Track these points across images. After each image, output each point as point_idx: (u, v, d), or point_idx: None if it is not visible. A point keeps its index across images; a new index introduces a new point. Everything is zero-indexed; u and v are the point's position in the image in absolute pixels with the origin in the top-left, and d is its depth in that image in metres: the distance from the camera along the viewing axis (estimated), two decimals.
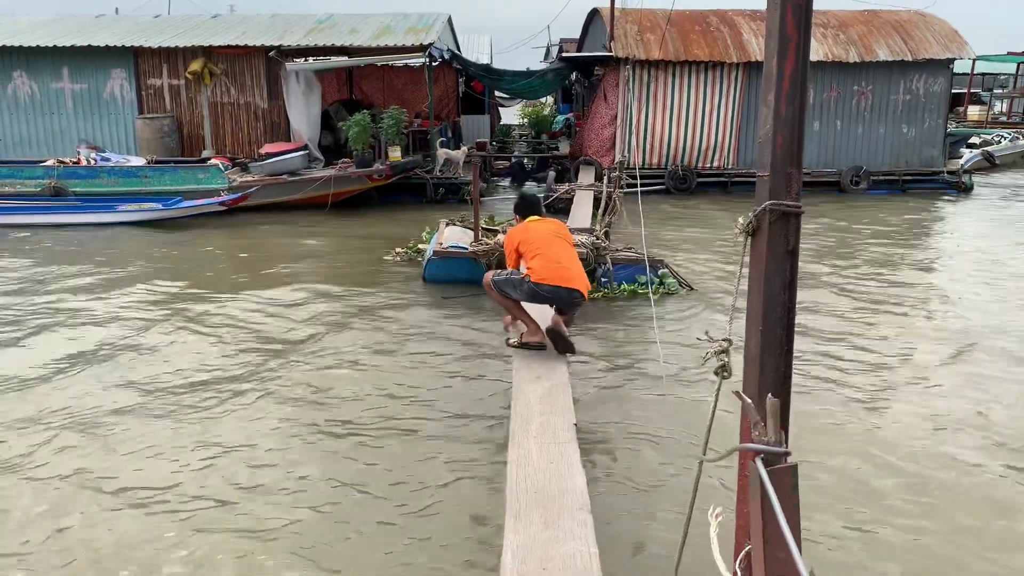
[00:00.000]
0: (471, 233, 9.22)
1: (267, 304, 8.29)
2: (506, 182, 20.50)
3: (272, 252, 11.12)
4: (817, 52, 17.09)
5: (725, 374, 3.20)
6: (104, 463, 4.84)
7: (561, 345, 5.95)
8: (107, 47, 15.83)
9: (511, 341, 6.26)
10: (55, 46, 15.76)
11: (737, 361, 3.12)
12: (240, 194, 13.10)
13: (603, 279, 8.50)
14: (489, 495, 4.56)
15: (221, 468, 4.80)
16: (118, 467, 4.79)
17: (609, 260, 8.49)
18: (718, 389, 3.21)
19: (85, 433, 5.22)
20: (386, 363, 6.60)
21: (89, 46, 15.79)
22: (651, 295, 7.57)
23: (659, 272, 8.54)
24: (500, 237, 9.28)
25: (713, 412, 3.21)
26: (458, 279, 8.79)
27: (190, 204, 12.87)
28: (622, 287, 8.37)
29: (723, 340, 3.26)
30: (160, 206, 12.83)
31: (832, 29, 17.86)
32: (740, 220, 3.15)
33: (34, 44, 15.76)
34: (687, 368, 6.37)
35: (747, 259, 3.20)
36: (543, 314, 6.18)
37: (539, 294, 5.98)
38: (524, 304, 6.18)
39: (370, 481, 4.69)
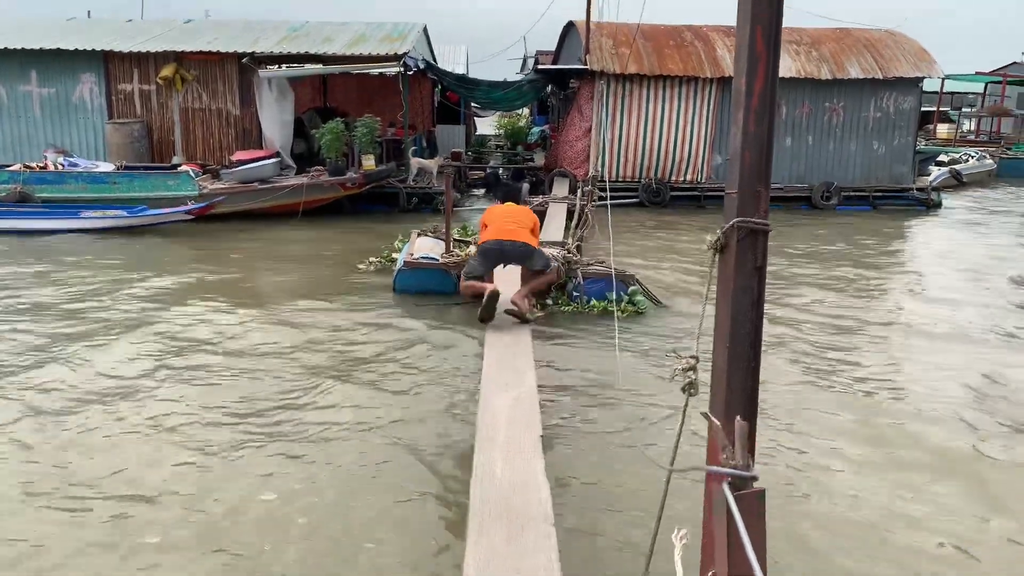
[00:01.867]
0: (443, 243, 9.15)
1: (231, 315, 8.17)
2: (480, 192, 20.48)
3: (241, 261, 10.98)
4: (790, 68, 17.27)
5: (692, 391, 3.18)
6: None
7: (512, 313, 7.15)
8: (76, 51, 15.58)
9: (479, 314, 7.20)
10: (23, 48, 15.50)
11: (705, 379, 3.10)
12: (207, 203, 12.92)
13: (574, 293, 8.47)
14: (451, 509, 4.49)
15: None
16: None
17: (580, 274, 8.46)
18: (685, 406, 3.18)
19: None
20: (352, 372, 6.51)
21: (58, 49, 15.54)
22: (616, 313, 7.53)
23: (629, 289, 8.52)
24: (472, 249, 9.24)
25: (680, 428, 3.18)
26: (428, 290, 8.72)
27: (156, 212, 12.66)
28: (592, 303, 8.34)
29: (690, 357, 3.24)
30: (125, 213, 12.60)
31: (805, 46, 18.06)
32: (708, 237, 3.14)
33: (1, 47, 15.47)
34: (652, 384, 6.34)
35: (715, 275, 3.19)
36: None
37: (488, 251, 7.40)
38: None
39: (324, 496, 4.60)
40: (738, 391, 3.19)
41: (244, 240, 12.50)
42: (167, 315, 8.08)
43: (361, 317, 8.05)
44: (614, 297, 8.08)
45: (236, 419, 5.57)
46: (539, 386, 5.60)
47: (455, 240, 9.70)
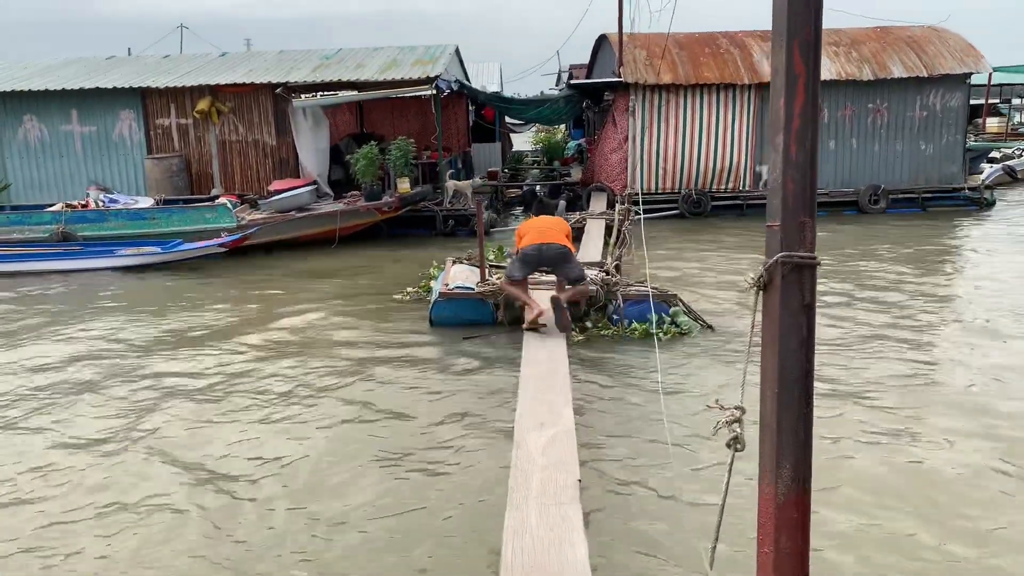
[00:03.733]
0: (479, 271, 8.95)
1: (268, 351, 8.07)
2: (519, 211, 20.30)
3: (278, 294, 10.91)
4: (830, 71, 16.82)
5: (738, 447, 2.92)
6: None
7: (559, 315, 7.46)
8: (115, 88, 15.84)
9: (524, 325, 7.72)
10: (64, 89, 15.79)
11: (753, 434, 2.85)
12: (241, 235, 12.93)
13: (614, 316, 8.20)
14: (485, 563, 4.26)
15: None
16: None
17: (620, 296, 8.20)
18: (731, 464, 2.93)
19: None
20: (389, 410, 6.33)
21: (97, 88, 15.81)
22: (656, 340, 7.25)
23: (672, 310, 8.22)
24: (508, 261, 9.03)
25: (726, 488, 2.93)
26: (465, 320, 8.52)
27: (190, 246, 12.71)
28: (633, 326, 8.06)
29: (735, 408, 2.98)
30: (159, 249, 12.67)
31: (844, 47, 17.58)
32: (750, 274, 2.89)
33: (43, 88, 15.80)
34: (696, 421, 6.03)
35: (760, 315, 2.94)
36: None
37: (527, 256, 7.78)
38: (532, 294, 8.00)
39: (352, 550, 4.41)
40: (789, 441, 2.94)
41: (280, 271, 12.46)
42: (189, 357, 8.00)
43: (397, 353, 7.86)
44: (655, 319, 7.80)
45: (258, 466, 5.41)
46: (577, 422, 5.35)
47: (491, 265, 9.51)
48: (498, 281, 8.61)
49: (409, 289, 10.21)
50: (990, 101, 32.16)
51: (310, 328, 8.93)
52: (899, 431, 5.79)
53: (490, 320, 8.48)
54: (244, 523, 4.71)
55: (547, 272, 8.53)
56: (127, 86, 15.88)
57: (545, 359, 6.85)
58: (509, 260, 8.86)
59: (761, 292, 2.91)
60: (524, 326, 7.76)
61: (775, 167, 2.83)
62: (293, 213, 14.20)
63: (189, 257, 12.69)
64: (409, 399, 6.60)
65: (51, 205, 14.30)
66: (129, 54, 21.99)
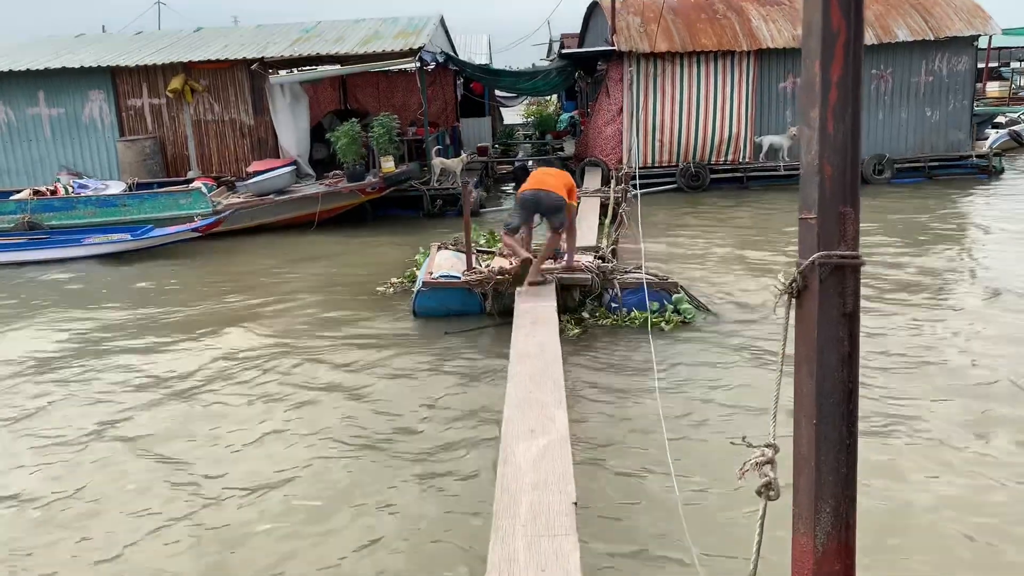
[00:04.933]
0: (466, 258, 8.33)
1: (237, 349, 7.47)
2: (510, 188, 19.65)
3: (252, 285, 10.23)
4: None
5: (771, 494, 2.34)
6: None
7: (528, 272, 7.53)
8: (83, 68, 15.05)
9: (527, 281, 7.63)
10: (28, 70, 15.00)
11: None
12: (214, 219, 12.27)
13: (612, 304, 7.61)
14: None
15: None
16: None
17: (617, 284, 7.60)
18: (762, 517, 2.35)
19: None
20: (364, 414, 5.76)
21: (64, 68, 15.02)
22: (652, 334, 6.66)
23: (673, 297, 7.63)
24: (497, 261, 8.42)
25: (758, 548, 2.36)
26: (451, 311, 7.93)
27: (162, 232, 12.01)
28: (632, 315, 7.48)
29: (766, 447, 2.40)
30: (129, 237, 11.96)
31: None
32: (780, 277, 2.33)
33: (6, 68, 15.01)
34: (705, 426, 5.45)
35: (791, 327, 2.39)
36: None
37: (524, 201, 7.74)
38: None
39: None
40: (829, 479, 2.39)
41: (257, 257, 11.83)
42: (156, 355, 7.40)
43: (376, 355, 7.21)
44: (658, 307, 7.22)
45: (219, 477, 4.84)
46: (572, 427, 4.76)
47: (479, 250, 8.90)
48: (486, 269, 8.01)
49: (393, 280, 9.54)
50: (991, 64, 31.48)
51: (282, 324, 8.31)
52: (973, 470, 4.74)
53: (478, 310, 7.88)
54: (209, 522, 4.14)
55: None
56: (96, 65, 15.09)
57: (536, 352, 6.24)
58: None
59: (794, 299, 2.38)
60: (526, 283, 7.65)
61: (809, 147, 2.28)
62: (272, 196, 13.54)
63: (161, 244, 12.00)
64: (388, 403, 6.02)
65: (18, 192, 13.59)
66: (103, 31, 21.13)
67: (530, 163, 19.14)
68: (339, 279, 10.39)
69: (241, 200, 13.46)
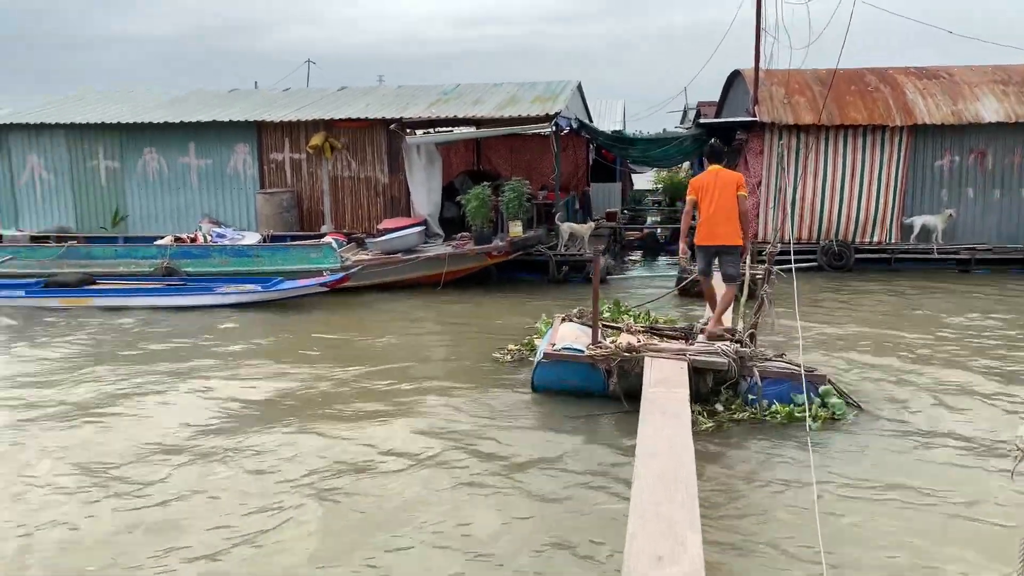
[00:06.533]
0: (591, 331, 7.86)
1: (345, 412, 7.23)
2: (637, 255, 19.14)
3: (371, 343, 10.12)
4: (998, 112, 15.03)
5: None
6: None
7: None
8: (231, 122, 15.75)
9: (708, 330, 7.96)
10: (182, 122, 15.81)
11: None
12: (342, 275, 12.36)
13: (750, 396, 6.94)
14: None
15: None
16: None
17: (756, 373, 6.93)
18: None
19: None
20: (471, 501, 5.31)
21: (214, 121, 15.75)
22: (808, 427, 5.95)
23: (820, 389, 6.90)
24: (624, 338, 7.91)
25: None
26: (572, 388, 7.45)
27: (291, 285, 12.19)
28: (774, 408, 6.78)
29: None
30: (259, 288, 12.21)
31: (1015, 86, 15.69)
32: (1021, 430, 1.75)
33: (163, 120, 15.86)
34: (877, 556, 4.71)
35: None
36: None
37: (705, 251, 8.11)
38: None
39: None
40: None
41: (379, 315, 11.75)
42: (257, 415, 7.23)
43: (486, 433, 6.77)
44: (805, 400, 6.51)
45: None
46: (707, 553, 4.16)
47: (606, 325, 8.41)
48: (612, 345, 7.51)
49: (512, 346, 9.18)
50: None
51: (395, 387, 8.05)
52: None
53: (601, 389, 7.37)
54: None
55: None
56: (243, 119, 15.76)
57: (665, 450, 5.65)
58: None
59: None
60: (705, 335, 7.90)
61: None
62: (400, 254, 13.57)
63: (289, 296, 12.17)
64: (498, 497, 5.55)
65: (163, 237, 14.19)
66: (256, 87, 22.18)
67: (659, 231, 18.53)
68: (459, 341, 10.09)
69: (370, 257, 13.55)
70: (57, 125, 16.25)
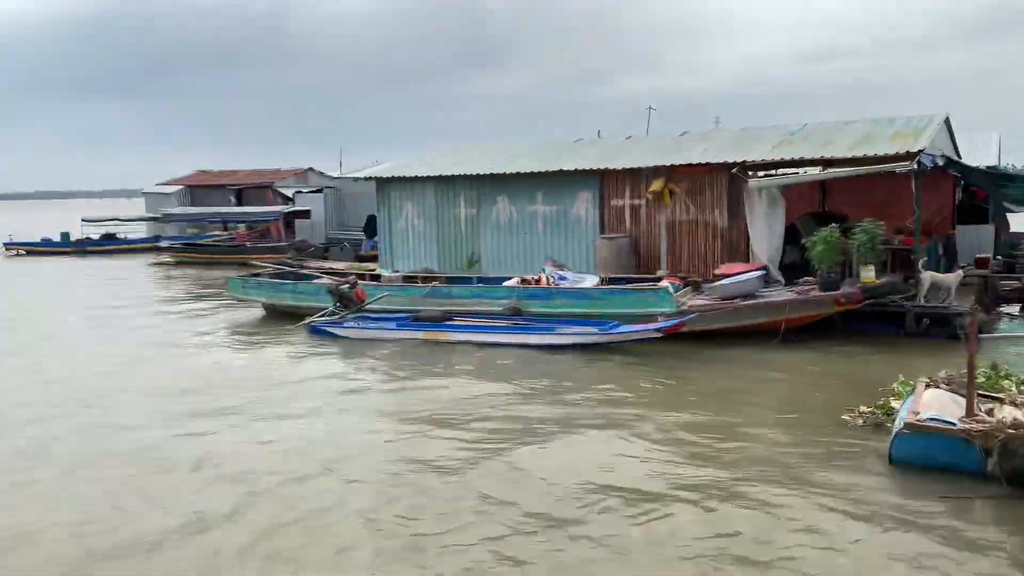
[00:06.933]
0: (962, 401, 6.91)
1: (681, 476, 7.06)
2: (1015, 309, 16.66)
3: (703, 392, 9.85)
4: None
5: None
6: None
7: None
8: (576, 171, 16.56)
9: None
10: (531, 172, 16.97)
11: None
12: (677, 321, 12.23)
13: None
14: None
15: None
16: None
17: None
18: None
19: None
20: None
21: (560, 171, 16.67)
22: None
23: None
24: (1008, 410, 6.84)
25: None
26: (939, 465, 6.56)
27: (627, 329, 12.37)
28: None
29: None
30: (596, 330, 12.57)
31: None
32: None
33: (515, 171, 17.18)
34: None
35: None
36: None
37: None
38: None
39: None
40: None
41: (715, 365, 11.43)
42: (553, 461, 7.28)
43: (838, 504, 6.20)
44: None
45: None
46: None
47: (981, 395, 7.33)
48: (991, 419, 6.52)
49: (863, 408, 8.37)
50: None
51: (728, 445, 7.72)
52: None
53: (975, 468, 6.41)
54: None
55: None
56: (587, 168, 16.50)
57: None
58: None
59: None
60: None
61: None
62: (738, 300, 13.14)
63: (624, 340, 12.36)
64: None
65: (511, 278, 15.23)
66: (599, 136, 23.10)
67: None
68: (800, 399, 9.48)
69: (706, 301, 13.29)
70: (428, 177, 18.46)
